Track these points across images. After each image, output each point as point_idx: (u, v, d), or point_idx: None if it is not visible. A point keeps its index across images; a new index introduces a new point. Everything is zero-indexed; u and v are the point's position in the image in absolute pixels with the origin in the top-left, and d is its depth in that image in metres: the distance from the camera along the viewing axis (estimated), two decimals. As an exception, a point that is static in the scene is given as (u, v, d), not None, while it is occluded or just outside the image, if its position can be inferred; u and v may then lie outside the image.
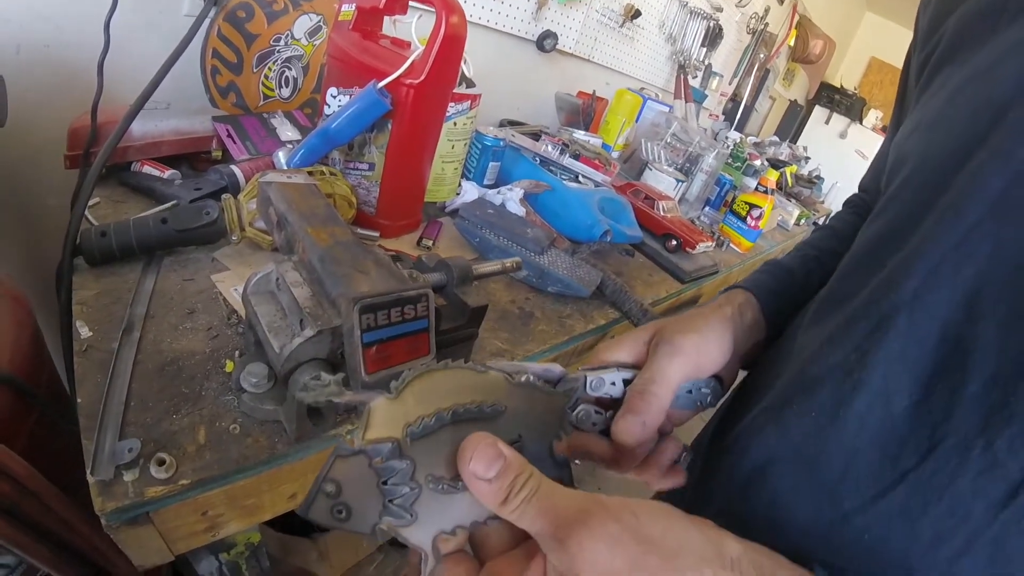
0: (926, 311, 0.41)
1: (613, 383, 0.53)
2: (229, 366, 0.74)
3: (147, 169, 1.10)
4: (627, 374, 0.54)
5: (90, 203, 0.99)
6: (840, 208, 0.88)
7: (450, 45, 1.02)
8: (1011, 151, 0.39)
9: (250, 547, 0.90)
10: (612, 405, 0.53)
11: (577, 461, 0.52)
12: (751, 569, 0.35)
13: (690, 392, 0.57)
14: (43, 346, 0.91)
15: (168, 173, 1.10)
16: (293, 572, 1.48)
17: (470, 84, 1.34)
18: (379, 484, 0.36)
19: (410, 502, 0.36)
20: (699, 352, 0.56)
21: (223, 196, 0.94)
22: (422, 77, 1.01)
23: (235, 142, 1.17)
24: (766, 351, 0.66)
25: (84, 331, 0.74)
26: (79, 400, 0.65)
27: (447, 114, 1.23)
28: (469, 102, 1.29)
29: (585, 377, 0.51)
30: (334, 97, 1.10)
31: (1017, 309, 0.36)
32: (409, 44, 1.08)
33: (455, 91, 1.20)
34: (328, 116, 1.05)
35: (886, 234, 0.49)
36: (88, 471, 0.57)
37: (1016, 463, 0.35)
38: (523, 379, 0.42)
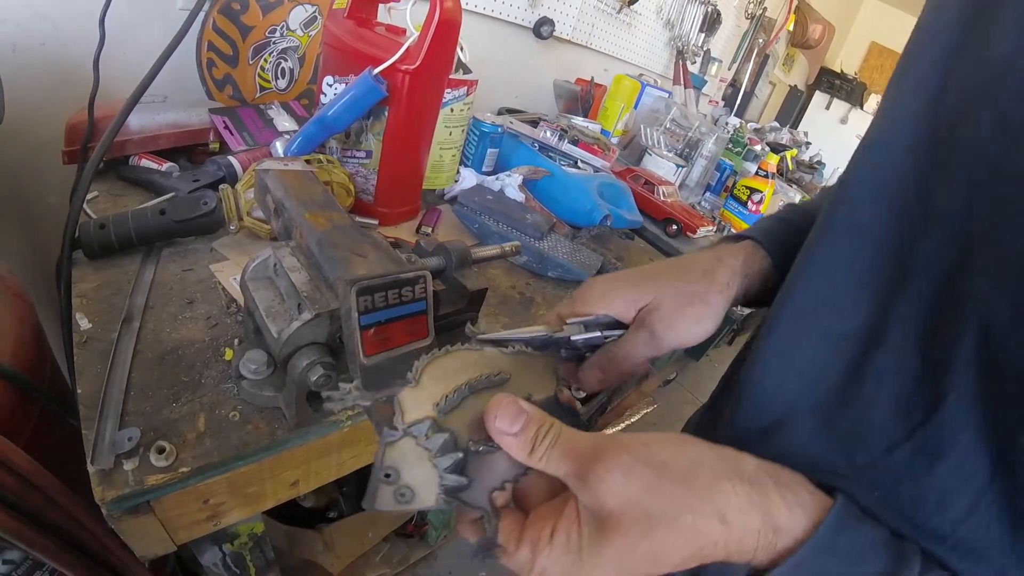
0: (934, 271, 0.40)
1: (595, 338, 0.56)
2: (228, 354, 0.74)
3: (145, 163, 1.09)
4: (612, 333, 0.57)
5: (89, 197, 0.99)
6: None
7: (445, 30, 1.01)
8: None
9: (254, 538, 0.89)
10: (596, 348, 0.58)
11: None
12: (767, 479, 0.38)
13: None
14: (45, 342, 0.91)
15: (166, 166, 1.09)
16: (299, 564, 1.48)
17: (466, 71, 1.34)
18: (431, 459, 0.39)
19: (460, 468, 0.40)
20: (679, 341, 0.57)
21: (221, 186, 0.93)
22: (417, 63, 1.00)
23: (232, 133, 1.16)
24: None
25: (84, 323, 0.74)
26: (79, 390, 0.65)
27: (444, 100, 1.22)
28: (466, 88, 1.28)
29: (569, 338, 0.54)
30: (330, 86, 1.09)
31: (1004, 262, 0.36)
32: (404, 31, 1.07)
33: (451, 77, 1.20)
34: (325, 104, 1.05)
35: (890, 175, 0.47)
36: (88, 460, 0.57)
37: (1010, 418, 0.35)
38: (514, 348, 0.47)
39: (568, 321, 0.55)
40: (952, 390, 0.38)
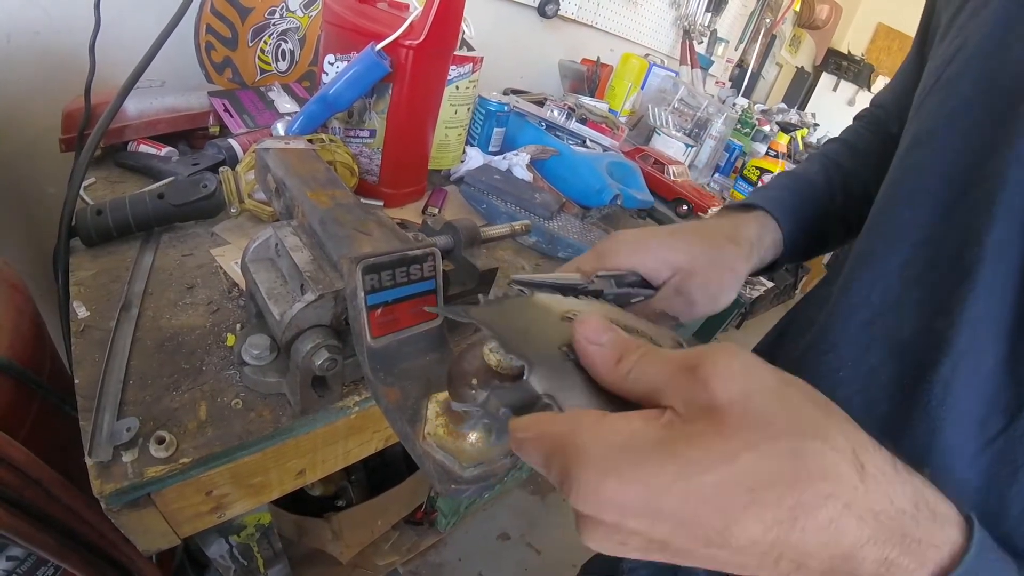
0: (1007, 261, 0.38)
1: (625, 294, 0.55)
2: (230, 340, 0.71)
3: (144, 148, 1.07)
4: (642, 292, 0.57)
5: (86, 184, 0.97)
6: (852, 123, 0.85)
7: (449, 4, 0.98)
8: None
9: (261, 528, 0.88)
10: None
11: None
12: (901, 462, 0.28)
13: None
14: (44, 332, 0.89)
15: (165, 151, 1.07)
16: (308, 553, 1.47)
17: (470, 48, 1.31)
18: None
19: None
20: (711, 309, 0.58)
21: (221, 169, 0.91)
22: (421, 38, 0.98)
23: (232, 116, 1.14)
24: (816, 297, 0.66)
25: (81, 311, 0.71)
26: (77, 381, 0.62)
27: (449, 77, 1.20)
28: (471, 65, 1.25)
29: (602, 291, 0.53)
30: (331, 64, 1.06)
31: None
32: (407, 6, 1.05)
33: (456, 53, 1.16)
34: (326, 83, 1.02)
35: (945, 168, 0.45)
36: (85, 453, 0.55)
37: None
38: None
39: (598, 274, 0.54)
40: None
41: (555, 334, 0.37)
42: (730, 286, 0.59)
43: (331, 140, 1.04)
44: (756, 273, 0.67)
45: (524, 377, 0.34)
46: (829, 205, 0.71)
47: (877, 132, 0.77)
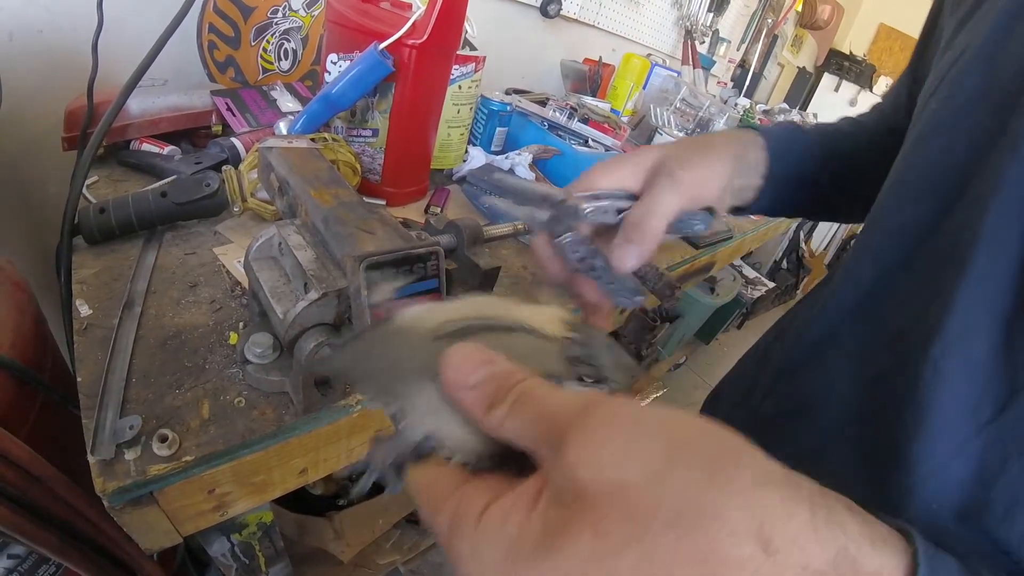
0: (1003, 247, 0.37)
1: (605, 211, 0.52)
2: (233, 338, 0.71)
3: (146, 147, 1.07)
4: (623, 203, 0.52)
5: (89, 182, 0.97)
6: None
7: (452, 3, 0.98)
8: None
9: (263, 527, 0.88)
10: (604, 232, 0.53)
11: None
12: (836, 502, 0.25)
13: (680, 220, 0.54)
14: (46, 331, 0.89)
15: (167, 149, 1.07)
16: (309, 552, 1.47)
17: (472, 48, 1.31)
18: None
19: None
20: (698, 186, 0.53)
21: (223, 167, 0.91)
22: (424, 37, 0.98)
23: (235, 115, 1.14)
24: (817, 296, 0.64)
25: (84, 309, 0.71)
26: (79, 379, 0.62)
27: (451, 77, 1.20)
28: (474, 64, 1.26)
29: (578, 207, 0.50)
30: (334, 63, 1.06)
31: None
32: (410, 5, 1.05)
33: (458, 53, 1.17)
34: (329, 83, 1.02)
35: (948, 164, 0.45)
36: (88, 450, 0.54)
37: None
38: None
39: (575, 195, 0.51)
40: None
41: (429, 358, 0.31)
42: (712, 162, 0.56)
43: (334, 139, 1.04)
44: (742, 209, 0.65)
45: (400, 424, 0.31)
46: (817, 144, 0.70)
47: (880, 120, 0.78)
